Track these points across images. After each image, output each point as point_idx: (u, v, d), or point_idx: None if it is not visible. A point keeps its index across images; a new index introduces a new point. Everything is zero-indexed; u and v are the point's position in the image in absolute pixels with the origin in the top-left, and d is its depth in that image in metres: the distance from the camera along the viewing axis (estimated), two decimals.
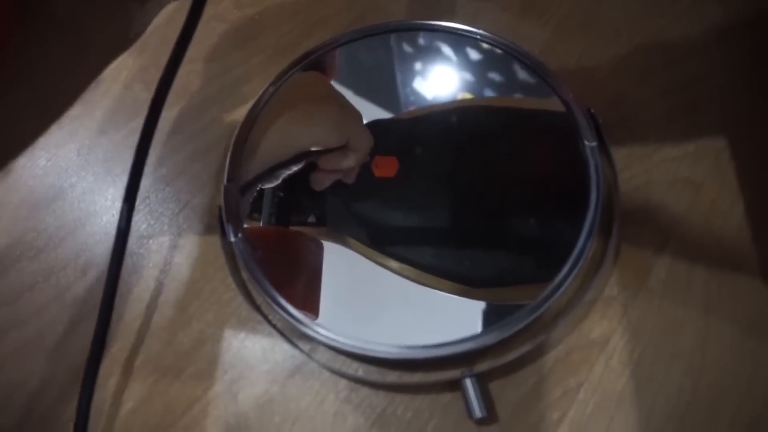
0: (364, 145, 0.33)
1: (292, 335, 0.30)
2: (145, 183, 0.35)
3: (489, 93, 0.35)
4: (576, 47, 0.38)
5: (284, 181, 0.33)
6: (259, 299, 0.31)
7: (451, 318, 0.29)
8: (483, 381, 0.28)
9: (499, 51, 0.36)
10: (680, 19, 0.38)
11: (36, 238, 0.34)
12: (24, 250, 0.33)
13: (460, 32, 0.36)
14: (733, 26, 0.38)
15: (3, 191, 0.35)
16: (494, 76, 0.35)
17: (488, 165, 0.33)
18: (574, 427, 0.27)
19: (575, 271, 0.29)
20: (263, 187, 0.33)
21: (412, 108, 0.35)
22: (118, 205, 0.30)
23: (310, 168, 0.33)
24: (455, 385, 0.28)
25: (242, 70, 0.38)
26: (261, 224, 0.32)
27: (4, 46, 0.24)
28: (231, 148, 0.33)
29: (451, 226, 0.32)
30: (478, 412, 0.27)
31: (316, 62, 0.36)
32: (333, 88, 0.35)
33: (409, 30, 0.37)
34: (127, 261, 0.33)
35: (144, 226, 0.34)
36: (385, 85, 0.36)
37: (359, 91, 0.35)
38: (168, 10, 0.40)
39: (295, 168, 0.33)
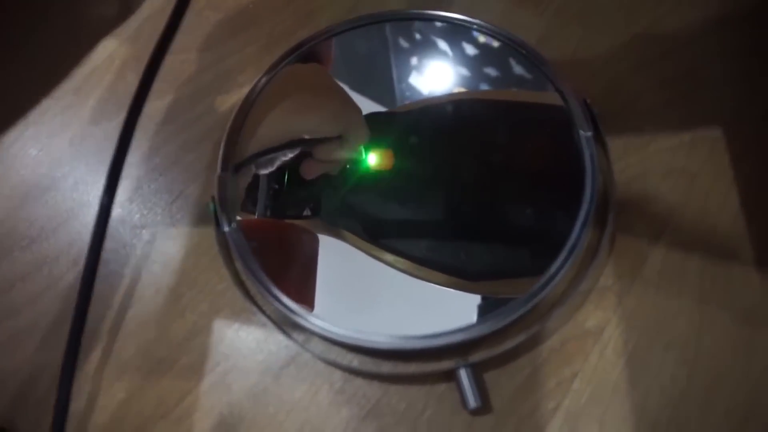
0: (359, 138, 0.33)
1: (286, 326, 0.30)
2: (138, 173, 0.35)
3: (484, 84, 0.35)
4: (572, 37, 0.37)
5: (279, 173, 0.33)
6: (253, 290, 0.31)
7: (446, 308, 0.29)
8: (478, 371, 0.28)
9: (495, 41, 0.35)
10: (677, 9, 0.38)
11: (28, 228, 0.34)
12: (16, 240, 0.33)
13: (456, 22, 0.36)
14: (730, 16, 0.37)
15: None
16: (490, 66, 0.35)
17: (484, 156, 0.33)
18: (569, 416, 0.27)
19: (570, 262, 0.29)
20: (257, 173, 0.32)
21: (407, 100, 0.35)
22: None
23: (305, 158, 0.33)
24: (450, 376, 0.28)
25: (236, 60, 0.38)
26: (256, 215, 0.32)
27: None
28: (225, 138, 0.33)
29: (447, 218, 0.32)
30: (472, 402, 0.27)
31: (310, 52, 0.36)
32: (332, 79, 0.35)
33: (404, 20, 0.37)
34: (120, 251, 0.32)
35: (137, 216, 0.34)
36: (379, 75, 0.36)
37: (354, 82, 0.35)
38: (161, 0, 0.40)
39: (289, 154, 0.33)
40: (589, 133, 0.32)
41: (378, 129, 0.34)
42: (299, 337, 0.30)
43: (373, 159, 0.33)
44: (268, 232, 0.32)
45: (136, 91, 0.26)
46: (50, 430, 0.27)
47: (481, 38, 0.36)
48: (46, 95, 0.37)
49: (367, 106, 0.34)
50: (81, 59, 0.38)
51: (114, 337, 0.30)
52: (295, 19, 0.39)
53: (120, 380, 0.30)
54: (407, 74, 0.35)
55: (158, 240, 0.33)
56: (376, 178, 0.33)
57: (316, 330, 0.28)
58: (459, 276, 0.30)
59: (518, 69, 0.35)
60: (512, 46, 0.35)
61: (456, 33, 0.36)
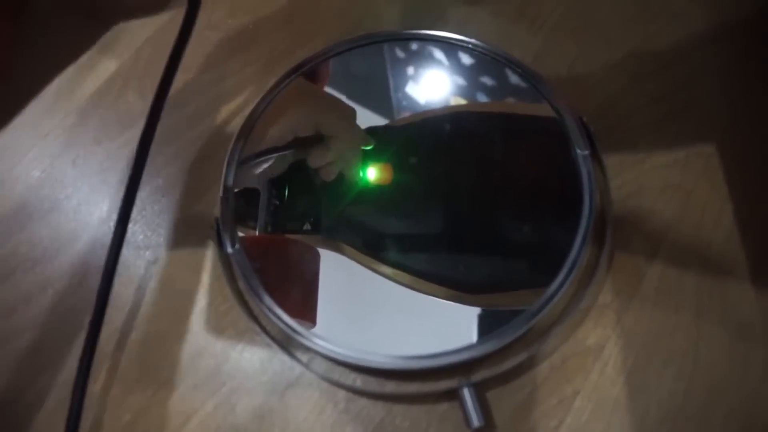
0: (341, 137, 0.33)
1: (290, 346, 0.30)
2: (141, 194, 0.35)
3: (481, 100, 0.36)
4: (568, 54, 0.38)
5: (279, 188, 0.33)
6: (257, 310, 0.31)
7: (448, 327, 0.29)
8: (480, 390, 0.28)
9: (491, 60, 0.36)
10: (670, 26, 0.38)
11: (31, 250, 0.34)
12: (19, 261, 0.33)
13: (452, 42, 0.37)
14: (723, 33, 0.38)
15: None
16: (487, 84, 0.36)
17: (482, 173, 0.34)
18: None
19: (570, 279, 0.29)
20: (258, 189, 0.33)
21: (406, 117, 0.35)
22: (114, 216, 0.30)
23: (305, 175, 0.33)
24: (452, 395, 0.28)
25: (237, 80, 0.38)
26: (257, 232, 0.32)
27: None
28: (227, 159, 0.33)
29: (447, 233, 0.32)
30: (475, 421, 0.27)
31: (310, 71, 0.36)
32: (319, 89, 0.36)
33: (401, 39, 0.37)
34: (124, 272, 0.33)
35: (140, 237, 0.34)
36: (378, 94, 0.36)
37: (353, 100, 0.35)
38: (162, 20, 0.40)
39: (285, 154, 0.33)
40: (586, 152, 0.32)
41: (378, 145, 0.34)
42: (303, 357, 0.30)
43: (372, 173, 0.33)
44: (270, 251, 0.32)
45: (143, 131, 0.26)
46: None
47: (478, 57, 0.36)
48: (48, 116, 0.37)
49: (367, 122, 0.35)
50: (83, 80, 0.39)
51: (119, 359, 0.31)
52: (294, 39, 0.39)
53: (126, 401, 0.30)
54: (405, 93, 0.36)
55: (162, 261, 0.33)
56: (375, 191, 0.33)
57: (319, 349, 0.29)
58: (459, 289, 0.30)
59: (515, 87, 0.35)
60: (509, 65, 0.35)
61: (453, 52, 0.37)
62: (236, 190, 0.33)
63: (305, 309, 0.30)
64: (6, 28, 0.23)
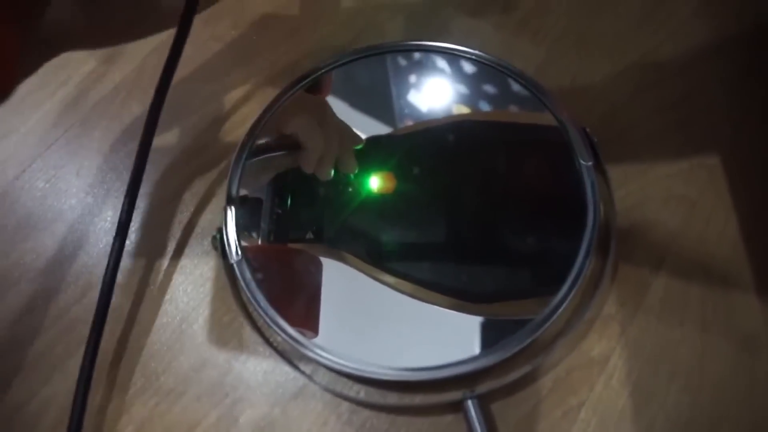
0: (313, 136, 0.33)
1: (293, 357, 0.30)
2: (144, 205, 0.35)
3: (485, 111, 0.36)
4: (570, 65, 0.38)
5: (282, 197, 0.33)
6: (260, 321, 0.31)
7: (452, 337, 0.29)
8: (484, 402, 0.28)
9: (494, 71, 0.36)
10: (672, 37, 0.39)
11: (35, 260, 0.34)
12: (23, 272, 0.33)
13: (455, 53, 0.37)
14: (725, 43, 0.38)
15: (2, 213, 0.35)
16: (490, 95, 0.36)
17: (485, 184, 0.34)
18: None
19: (575, 290, 0.29)
20: (261, 198, 0.33)
21: (409, 126, 0.35)
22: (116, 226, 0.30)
23: (308, 184, 0.33)
24: (457, 407, 0.28)
25: (240, 91, 0.38)
26: (259, 242, 0.32)
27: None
28: (230, 170, 0.33)
29: (451, 242, 0.32)
30: None
31: (313, 83, 0.36)
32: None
33: (404, 51, 0.37)
34: (125, 283, 0.33)
35: (143, 248, 0.34)
36: (382, 105, 0.36)
37: (357, 110, 0.36)
38: (168, 32, 0.40)
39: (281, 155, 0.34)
40: (590, 163, 0.32)
41: (381, 154, 0.34)
42: (306, 368, 0.30)
43: (374, 182, 0.33)
44: (273, 261, 0.32)
45: (140, 144, 0.27)
46: None
47: (481, 68, 0.36)
48: (53, 127, 0.38)
49: (370, 132, 0.35)
50: (87, 90, 0.39)
51: (121, 370, 0.31)
52: (297, 50, 0.39)
53: (128, 413, 0.30)
54: (409, 105, 0.36)
55: (165, 272, 0.33)
56: (378, 201, 0.33)
57: (322, 361, 0.29)
58: (462, 299, 0.30)
59: (517, 97, 0.35)
60: (511, 75, 0.36)
61: (456, 64, 0.37)
62: (239, 199, 0.33)
63: (308, 319, 0.30)
64: (11, 34, 0.22)
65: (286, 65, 0.39)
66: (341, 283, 0.31)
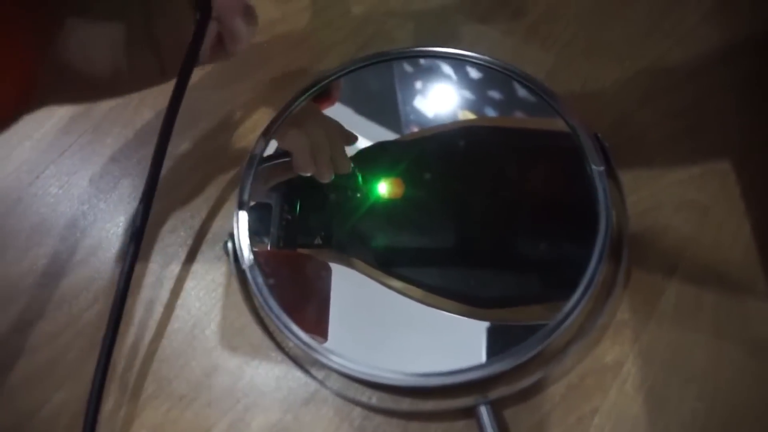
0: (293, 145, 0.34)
1: (305, 362, 0.30)
2: (156, 210, 0.35)
3: (496, 116, 0.36)
4: (580, 71, 0.38)
5: (291, 203, 0.33)
6: (272, 326, 0.31)
7: (465, 343, 0.29)
8: (497, 408, 0.28)
9: (504, 77, 0.36)
10: (682, 43, 0.39)
11: (49, 266, 0.34)
12: (36, 278, 0.34)
13: (465, 59, 0.37)
14: (735, 49, 0.38)
15: (15, 219, 0.35)
16: (501, 101, 0.36)
17: (496, 189, 0.34)
18: None
19: (587, 296, 0.29)
20: (271, 204, 0.33)
21: (419, 132, 0.35)
22: (130, 232, 0.31)
23: (317, 190, 0.33)
24: (469, 413, 0.28)
25: (251, 97, 0.38)
26: (269, 247, 0.32)
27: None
28: (242, 176, 0.33)
29: (461, 248, 0.32)
30: None
31: (323, 89, 0.36)
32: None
33: (415, 57, 0.37)
34: (138, 289, 0.33)
35: (155, 253, 0.34)
36: (392, 110, 0.36)
37: (366, 116, 0.36)
38: None
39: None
40: (602, 168, 0.32)
41: (390, 159, 0.34)
42: (318, 373, 0.30)
43: (383, 187, 0.33)
44: (285, 267, 0.32)
45: (154, 152, 0.27)
46: None
47: (491, 74, 0.36)
48: (65, 133, 0.38)
49: (380, 137, 0.35)
50: None
51: (134, 375, 0.31)
52: (308, 57, 0.40)
53: (140, 418, 0.30)
54: (418, 109, 0.36)
55: (177, 277, 0.33)
56: (386, 206, 0.33)
57: (334, 366, 0.29)
58: (473, 305, 0.30)
59: (528, 103, 0.35)
60: (522, 82, 0.36)
61: (466, 69, 0.37)
62: (251, 205, 0.33)
63: (318, 324, 0.30)
64: (29, 40, 0.22)
65: (297, 72, 0.39)
66: (351, 288, 0.31)
